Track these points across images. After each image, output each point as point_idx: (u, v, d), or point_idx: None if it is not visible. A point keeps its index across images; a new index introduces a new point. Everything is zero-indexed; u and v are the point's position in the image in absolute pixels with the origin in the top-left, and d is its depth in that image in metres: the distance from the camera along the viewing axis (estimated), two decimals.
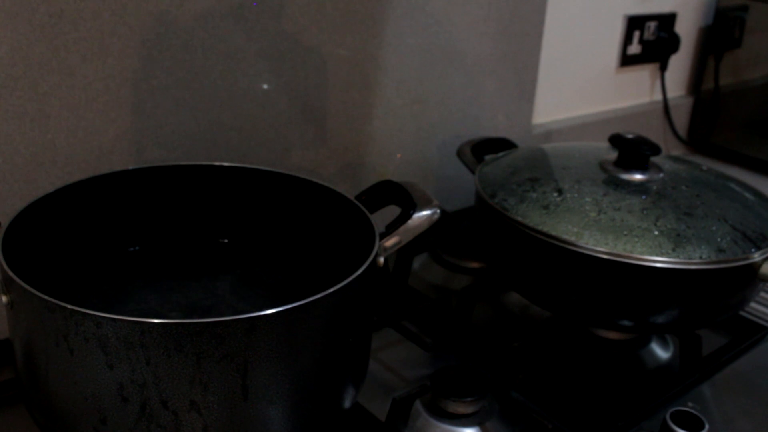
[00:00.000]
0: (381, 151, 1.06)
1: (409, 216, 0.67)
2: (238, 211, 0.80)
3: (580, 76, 1.36)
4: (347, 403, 0.64)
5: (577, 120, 1.36)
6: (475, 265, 1.01)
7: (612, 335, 0.86)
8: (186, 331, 0.51)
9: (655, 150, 0.84)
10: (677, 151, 1.61)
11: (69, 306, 0.51)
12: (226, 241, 0.81)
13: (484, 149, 1.00)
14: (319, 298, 0.54)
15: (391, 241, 0.65)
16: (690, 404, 0.79)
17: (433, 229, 1.05)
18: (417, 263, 1.03)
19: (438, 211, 0.68)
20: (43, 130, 0.77)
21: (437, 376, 0.74)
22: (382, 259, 0.64)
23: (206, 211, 0.80)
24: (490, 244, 0.85)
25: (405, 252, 0.95)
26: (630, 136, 0.86)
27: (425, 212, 0.67)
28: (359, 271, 0.58)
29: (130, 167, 0.77)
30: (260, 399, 0.55)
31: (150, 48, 0.81)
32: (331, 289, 0.55)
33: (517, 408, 0.75)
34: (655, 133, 1.55)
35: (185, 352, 0.51)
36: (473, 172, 0.92)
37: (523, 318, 0.93)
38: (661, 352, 0.87)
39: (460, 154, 0.99)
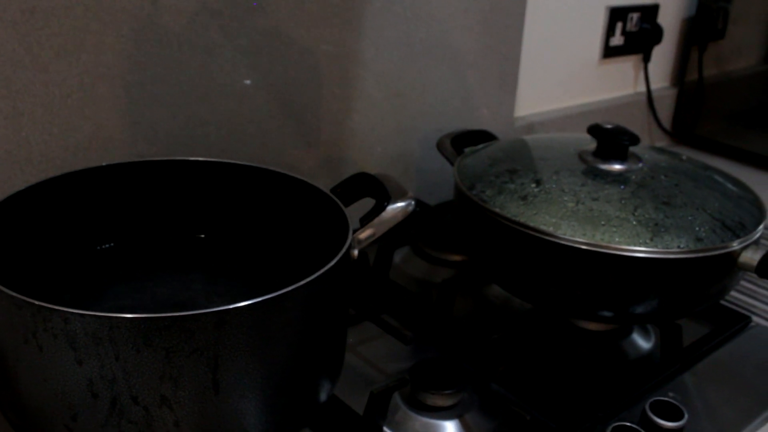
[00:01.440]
0: (361, 145, 1.05)
1: (383, 208, 0.66)
2: (213, 206, 0.80)
3: (563, 68, 1.35)
4: (323, 397, 0.63)
5: (559, 112, 1.36)
6: (456, 258, 1.00)
7: (593, 326, 0.86)
8: (154, 325, 0.50)
9: (634, 140, 0.84)
10: (661, 142, 1.61)
11: (36, 302, 0.51)
12: (202, 236, 0.81)
13: (464, 142, 1.00)
14: (289, 291, 0.54)
15: (365, 234, 0.65)
16: (671, 394, 0.79)
17: (414, 222, 1.06)
18: (398, 257, 1.02)
19: (413, 202, 0.67)
20: (16, 128, 0.77)
21: (416, 368, 0.74)
22: (356, 252, 0.63)
23: (182, 206, 0.80)
24: (469, 236, 0.85)
25: (386, 245, 0.94)
26: (609, 126, 0.86)
27: (400, 204, 0.67)
28: (330, 264, 0.57)
29: (104, 164, 0.76)
30: (232, 393, 0.54)
31: (124, 43, 0.81)
32: (302, 282, 0.54)
33: (497, 400, 0.74)
34: (639, 125, 1.55)
35: (154, 347, 0.51)
36: (453, 165, 0.92)
37: (505, 310, 0.93)
38: (642, 343, 0.87)
39: (440, 146, 0.99)
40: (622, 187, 0.80)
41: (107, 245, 0.78)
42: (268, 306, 0.53)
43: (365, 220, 0.66)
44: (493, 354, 0.81)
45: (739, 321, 0.92)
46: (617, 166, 0.84)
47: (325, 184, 0.74)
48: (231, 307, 0.51)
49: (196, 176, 0.78)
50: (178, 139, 0.88)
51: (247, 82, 0.91)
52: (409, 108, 1.09)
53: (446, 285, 0.88)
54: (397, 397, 0.74)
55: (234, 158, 0.91)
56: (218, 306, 0.52)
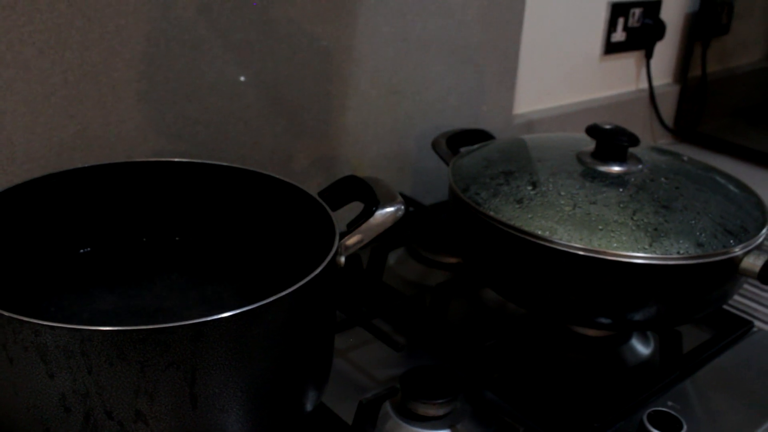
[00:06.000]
0: (355, 143, 1.03)
1: (372, 213, 0.64)
2: (199, 208, 0.77)
3: (563, 64, 1.33)
4: (308, 408, 0.61)
5: (559, 110, 1.34)
6: (452, 260, 0.98)
7: (590, 332, 0.84)
8: (128, 338, 0.48)
9: (634, 141, 0.82)
10: (664, 140, 1.59)
11: (6, 313, 0.49)
12: (188, 240, 0.78)
13: (460, 141, 0.97)
14: (270, 302, 0.52)
15: (352, 240, 0.63)
16: (670, 403, 0.77)
17: (409, 223, 1.03)
18: (393, 258, 1.00)
19: (402, 207, 0.65)
20: None
21: (407, 376, 0.72)
22: (342, 259, 0.61)
23: (167, 209, 0.77)
24: (464, 239, 0.83)
25: (380, 247, 0.92)
26: (607, 126, 0.83)
27: (389, 209, 0.64)
28: (315, 273, 0.55)
29: (88, 165, 0.74)
30: (211, 407, 0.52)
31: (110, 40, 0.78)
32: (284, 292, 0.52)
33: (491, 409, 0.72)
34: (641, 123, 1.52)
35: (128, 361, 0.49)
36: (448, 165, 0.89)
37: (500, 314, 0.91)
38: (641, 349, 0.85)
39: (435, 146, 0.96)
40: (621, 189, 0.78)
41: (91, 249, 0.76)
42: (247, 317, 0.51)
43: (353, 226, 0.64)
44: (487, 361, 0.79)
45: (741, 326, 0.90)
46: (616, 168, 0.81)
47: (317, 183, 0.72)
48: (209, 319, 0.49)
49: (181, 178, 0.76)
50: (167, 139, 0.85)
51: (242, 78, 0.89)
52: (405, 105, 1.07)
53: (440, 289, 0.86)
54: (387, 406, 0.71)
55: (224, 158, 0.89)
56: (198, 315, 0.50)
